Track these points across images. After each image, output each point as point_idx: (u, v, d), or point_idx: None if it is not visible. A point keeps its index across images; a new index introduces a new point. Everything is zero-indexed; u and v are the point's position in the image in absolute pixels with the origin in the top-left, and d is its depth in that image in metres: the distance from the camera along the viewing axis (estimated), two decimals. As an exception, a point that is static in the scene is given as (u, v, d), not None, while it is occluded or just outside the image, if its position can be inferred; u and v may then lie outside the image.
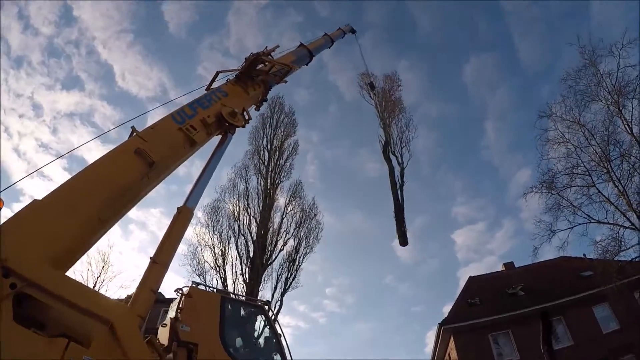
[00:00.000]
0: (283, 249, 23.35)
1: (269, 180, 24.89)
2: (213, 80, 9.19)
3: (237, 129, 8.39)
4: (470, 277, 27.55)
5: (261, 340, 7.29)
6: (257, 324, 7.34)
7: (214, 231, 23.12)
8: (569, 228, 18.34)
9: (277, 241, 23.38)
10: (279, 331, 7.13)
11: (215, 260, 22.22)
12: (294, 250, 23.53)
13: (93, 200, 5.19)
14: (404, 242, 17.95)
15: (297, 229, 24.13)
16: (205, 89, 8.89)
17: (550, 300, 21.00)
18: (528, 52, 79.99)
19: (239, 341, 7.00)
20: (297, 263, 23.29)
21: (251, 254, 22.39)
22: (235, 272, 21.85)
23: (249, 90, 9.06)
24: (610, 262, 17.44)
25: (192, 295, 6.46)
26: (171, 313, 6.40)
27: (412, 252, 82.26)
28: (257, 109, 10.05)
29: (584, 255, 22.66)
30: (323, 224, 24.93)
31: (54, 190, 5.10)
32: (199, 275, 21.61)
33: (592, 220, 18.14)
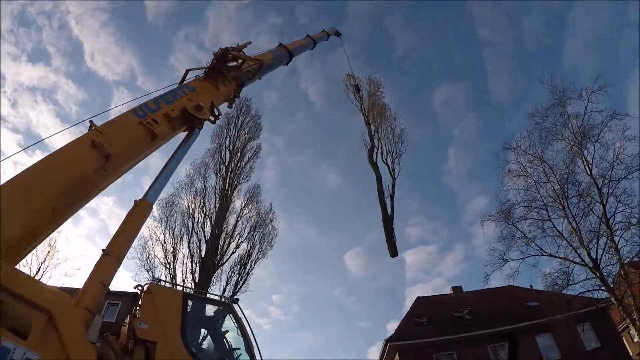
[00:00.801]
0: (235, 252, 22.93)
1: (227, 181, 24.49)
2: (183, 79, 9.06)
3: (206, 125, 8.24)
4: (418, 297, 27.90)
5: (228, 340, 7.00)
6: (223, 322, 7.05)
7: (166, 226, 22.65)
8: (521, 258, 19.32)
9: (230, 243, 22.95)
10: (248, 330, 6.84)
11: (166, 256, 21.68)
12: (246, 254, 23.14)
13: (47, 190, 5.04)
14: (393, 252, 17.72)
15: (252, 232, 23.79)
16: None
17: (495, 326, 21.63)
18: (499, 85, 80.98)
19: (202, 340, 6.74)
20: (248, 267, 22.90)
21: (203, 254, 21.86)
22: (185, 270, 21.30)
23: (219, 86, 8.92)
24: (559, 295, 18.30)
25: (152, 292, 6.22)
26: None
27: (364, 267, 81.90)
28: (230, 105, 9.88)
29: (531, 286, 23.65)
30: (278, 230, 24.63)
31: (9, 179, 4.95)
32: (148, 270, 21.13)
33: (544, 253, 19.13)
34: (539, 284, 21.80)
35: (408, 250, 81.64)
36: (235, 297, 7.12)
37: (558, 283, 18.39)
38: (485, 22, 71.42)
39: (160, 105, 7.37)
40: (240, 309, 7.06)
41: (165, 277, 20.83)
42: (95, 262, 5.58)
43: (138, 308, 6.02)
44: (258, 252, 23.52)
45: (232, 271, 22.54)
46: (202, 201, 23.52)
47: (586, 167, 19.05)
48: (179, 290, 6.59)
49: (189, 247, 22.14)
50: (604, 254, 17.72)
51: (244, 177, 25.34)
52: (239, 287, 22.16)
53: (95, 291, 5.28)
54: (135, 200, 6.52)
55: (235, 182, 24.79)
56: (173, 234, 22.45)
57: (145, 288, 6.30)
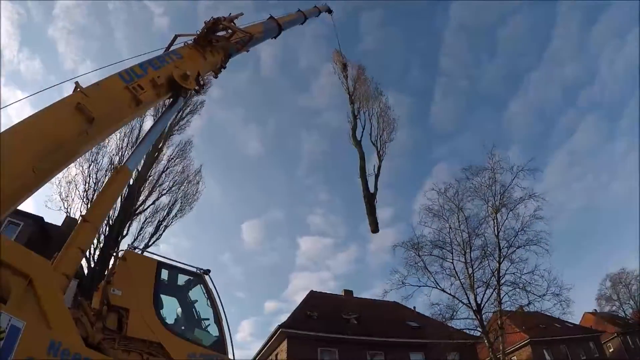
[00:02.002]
0: (154, 203, 22.57)
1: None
2: (171, 44, 8.84)
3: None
4: (312, 291, 28.86)
5: (198, 310, 7.15)
6: (195, 292, 7.19)
7: (91, 161, 21.86)
8: (417, 286, 22.31)
9: (152, 192, 22.60)
10: (218, 302, 7.01)
11: (86, 191, 20.98)
12: (166, 208, 22.90)
13: (29, 151, 4.93)
14: (375, 228, 18.41)
15: (176, 188, 23.52)
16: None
17: (377, 335, 23.09)
18: (441, 113, 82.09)
19: (173, 309, 6.85)
20: (165, 222, 22.69)
21: (123, 198, 21.21)
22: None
23: (206, 55, 8.75)
24: (439, 324, 21.95)
25: (127, 259, 6.28)
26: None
27: (258, 241, 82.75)
28: (215, 76, 9.72)
29: (414, 307, 26.55)
30: (201, 192, 24.40)
31: None
32: (63, 200, 20.55)
33: (438, 287, 22.25)
34: (420, 307, 25.58)
35: (305, 236, 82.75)
36: (207, 268, 7.18)
37: (443, 314, 21.63)
38: (452, 52, 72.14)
39: (147, 71, 7.20)
40: (212, 280, 7.22)
41: (80, 210, 20.24)
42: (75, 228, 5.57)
43: (112, 274, 6.04)
44: (178, 210, 23.23)
45: (147, 222, 22.14)
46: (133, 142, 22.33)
47: (495, 228, 22.39)
48: (153, 259, 6.64)
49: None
50: (487, 302, 21.29)
51: (179, 129, 24.68)
52: (153, 240, 21.93)
53: (73, 257, 5.30)
54: (116, 167, 6.46)
55: (169, 132, 23.92)
56: (97, 171, 21.60)
57: (120, 255, 6.34)
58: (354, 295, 30.18)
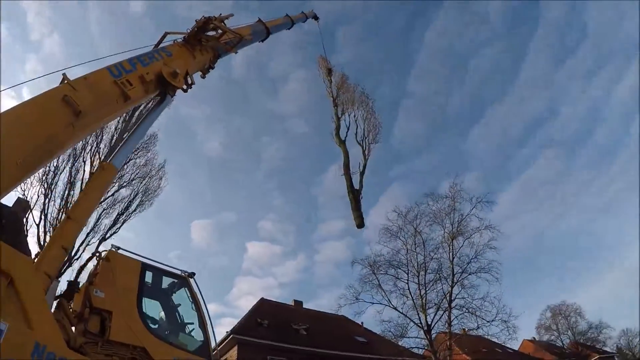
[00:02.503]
0: (114, 195, 21.80)
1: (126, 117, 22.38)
2: (160, 41, 8.67)
3: (177, 93, 7.99)
4: (262, 298, 28.86)
5: (182, 313, 6.96)
6: (179, 295, 6.99)
7: None
8: (371, 302, 23.29)
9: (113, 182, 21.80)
10: (202, 305, 6.83)
11: (45, 174, 19.73)
12: (126, 201, 22.29)
13: (12, 144, 4.72)
14: (361, 223, 18.46)
15: (138, 181, 22.90)
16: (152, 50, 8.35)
17: (325, 348, 23.19)
18: (402, 133, 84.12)
19: (157, 312, 6.66)
20: (124, 216, 22.11)
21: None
22: (64, 195, 19.67)
23: (195, 54, 8.62)
24: (387, 341, 23.01)
25: (110, 260, 6.05)
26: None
27: (206, 241, 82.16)
28: (203, 76, 9.58)
29: (362, 323, 26.90)
30: (162, 189, 23.85)
31: None
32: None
33: (391, 306, 23.16)
34: (367, 323, 26.24)
35: (254, 241, 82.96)
36: (191, 272, 7.01)
37: (393, 332, 22.59)
38: (422, 75, 73.90)
39: (135, 67, 7.05)
40: (196, 283, 7.05)
41: (39, 196, 19.16)
42: (57, 226, 5.34)
43: (95, 275, 5.81)
44: (139, 204, 22.60)
45: (105, 213, 21.37)
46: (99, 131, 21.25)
47: (450, 254, 23.42)
48: (137, 260, 6.42)
49: (70, 172, 20.45)
50: (437, 322, 22.37)
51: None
52: (110, 232, 21.27)
53: (56, 255, 5.10)
54: (102, 163, 6.27)
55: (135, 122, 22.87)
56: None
57: (103, 255, 6.11)
58: (304, 307, 29.99)
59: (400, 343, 22.64)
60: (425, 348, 22.56)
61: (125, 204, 22.32)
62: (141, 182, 22.89)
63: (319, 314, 28.65)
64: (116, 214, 21.83)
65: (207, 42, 8.93)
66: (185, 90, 8.19)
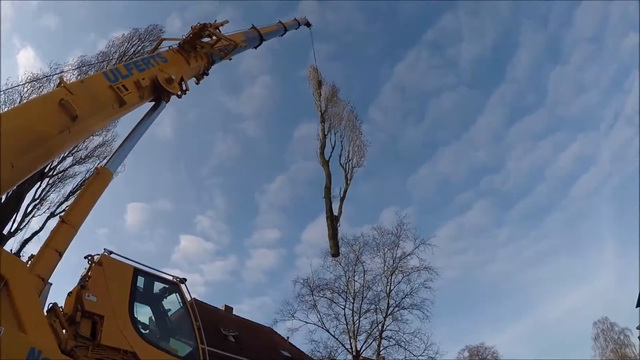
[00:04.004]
0: (67, 170, 21.58)
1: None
2: (156, 48, 8.80)
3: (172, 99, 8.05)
4: (193, 298, 27.69)
5: (173, 319, 6.97)
6: (170, 300, 7.00)
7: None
8: (304, 322, 24.39)
9: (65, 157, 21.16)
10: (192, 311, 6.85)
11: None
12: (78, 178, 21.80)
13: (8, 147, 4.73)
14: (336, 252, 18.66)
15: (95, 158, 22.25)
16: (147, 55, 8.42)
17: (253, 358, 22.75)
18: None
19: (148, 317, 6.65)
20: (77, 193, 21.31)
21: None
22: None
23: (190, 61, 8.70)
24: (309, 358, 23.24)
25: (103, 264, 6.04)
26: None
27: (139, 225, 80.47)
28: (197, 82, 9.64)
29: (288, 337, 26.91)
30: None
31: None
32: None
33: (324, 327, 24.05)
34: (303, 346, 26.07)
35: (188, 235, 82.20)
36: (183, 277, 7.05)
37: (321, 352, 23.51)
38: (383, 105, 74.86)
39: (131, 72, 7.12)
40: (187, 289, 7.07)
41: None
42: (52, 229, 5.37)
43: (87, 279, 5.81)
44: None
45: (56, 187, 21.14)
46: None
47: (388, 287, 24.30)
48: (130, 265, 6.43)
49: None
50: (366, 349, 23.10)
51: None
52: (58, 208, 20.89)
53: (50, 259, 5.10)
54: (97, 168, 6.30)
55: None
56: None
57: (96, 259, 6.12)
58: (234, 313, 29.10)
59: None
60: None
61: (79, 182, 21.74)
62: (98, 162, 21.89)
63: (248, 322, 28.33)
64: (69, 191, 21.42)
65: (201, 49, 9.00)
66: (179, 96, 8.25)
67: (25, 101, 5.70)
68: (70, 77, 21.89)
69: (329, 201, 18.48)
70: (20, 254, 18.65)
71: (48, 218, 20.59)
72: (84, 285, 5.70)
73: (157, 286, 6.93)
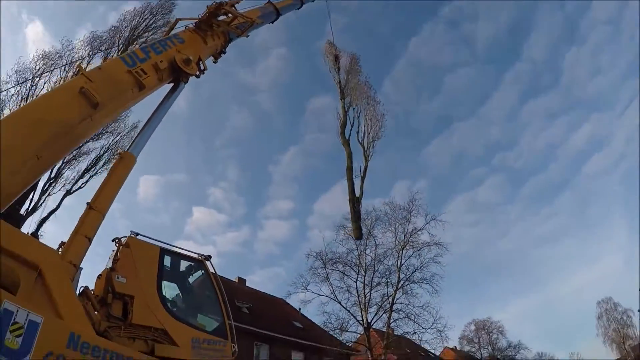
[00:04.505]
0: (81, 148, 21.48)
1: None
2: (172, 28, 8.74)
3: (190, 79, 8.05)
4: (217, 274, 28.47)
5: (200, 296, 7.20)
6: (196, 278, 7.23)
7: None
8: (318, 294, 24.00)
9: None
10: (218, 287, 7.06)
11: None
12: (94, 156, 22.33)
13: (33, 138, 4.85)
14: (359, 235, 18.76)
15: (109, 136, 22.88)
16: (163, 36, 8.37)
17: (267, 329, 23.33)
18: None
19: (176, 295, 6.89)
20: (91, 171, 22.09)
21: None
22: None
23: (207, 40, 8.63)
24: (323, 330, 24.12)
25: (130, 246, 6.25)
26: (109, 263, 6.16)
27: (153, 198, 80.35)
28: (215, 61, 9.59)
29: (299, 309, 26.99)
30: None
31: None
32: None
33: (336, 299, 23.95)
34: (316, 316, 26.14)
35: (202, 207, 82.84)
36: (208, 254, 7.23)
37: (333, 323, 23.51)
38: (398, 79, 73.48)
39: (149, 55, 7.10)
40: (212, 265, 7.27)
41: None
42: (80, 216, 5.51)
43: (116, 262, 6.02)
44: (106, 161, 22.35)
45: (70, 165, 21.29)
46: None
47: (398, 261, 24.35)
48: (156, 245, 6.62)
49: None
50: (376, 322, 23.47)
51: None
52: (74, 186, 21.31)
53: (80, 245, 5.26)
54: (120, 153, 6.41)
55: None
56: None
57: (123, 241, 6.31)
58: (247, 285, 30.28)
59: (338, 336, 23.69)
60: (359, 343, 24.31)
61: (94, 160, 22.30)
62: (112, 139, 22.73)
63: (261, 294, 28.98)
64: (84, 168, 21.84)
65: (218, 28, 8.90)
66: (198, 76, 8.24)
67: (44, 92, 5.63)
68: (82, 53, 22.15)
69: (351, 182, 18.65)
70: (39, 234, 19.34)
71: (64, 196, 21.20)
72: (114, 268, 5.93)
73: (183, 264, 7.14)
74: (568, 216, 78.17)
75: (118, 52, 22.83)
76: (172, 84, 7.83)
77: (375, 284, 24.13)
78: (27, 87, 19.26)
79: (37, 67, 20.40)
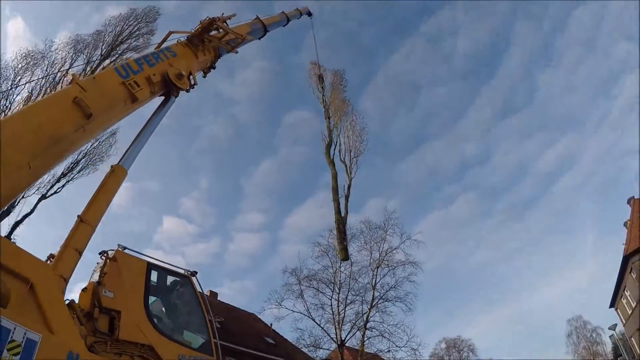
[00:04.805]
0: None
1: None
2: (164, 40, 8.79)
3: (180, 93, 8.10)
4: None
5: (185, 312, 7.15)
6: (182, 294, 7.18)
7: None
8: (292, 310, 24.54)
9: None
10: (203, 304, 7.04)
11: None
12: (71, 161, 21.67)
13: (25, 147, 4.80)
14: (345, 256, 18.77)
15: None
16: (155, 49, 8.41)
17: (239, 344, 22.92)
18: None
19: (162, 311, 6.82)
20: (67, 177, 21.60)
21: None
22: None
23: (198, 55, 8.73)
24: (292, 346, 24.21)
25: (118, 260, 6.16)
26: (94, 276, 6.08)
27: (125, 203, 79.88)
28: (204, 75, 9.68)
29: (271, 324, 27.17)
30: (110, 156, 22.94)
31: None
32: None
33: (310, 317, 24.34)
34: (286, 333, 26.73)
35: (171, 217, 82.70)
36: (193, 270, 7.21)
37: (306, 340, 23.89)
38: (375, 94, 74.78)
39: (142, 67, 7.15)
40: (198, 281, 7.24)
41: None
42: (70, 228, 5.47)
43: (103, 275, 5.94)
44: (83, 167, 22.15)
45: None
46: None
47: (373, 279, 24.81)
48: (143, 260, 6.58)
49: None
50: (350, 339, 23.69)
51: None
52: (50, 190, 20.88)
53: (70, 258, 5.20)
54: (112, 166, 6.38)
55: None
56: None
57: (110, 255, 6.24)
58: (218, 299, 29.58)
59: (312, 353, 23.90)
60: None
61: (71, 165, 21.80)
62: (90, 144, 22.04)
63: (232, 307, 28.67)
64: (60, 172, 21.31)
65: (209, 42, 9.00)
66: (187, 91, 8.30)
67: (37, 100, 5.52)
68: (65, 55, 21.91)
69: (337, 203, 18.81)
70: (12, 237, 18.73)
71: (39, 200, 20.55)
72: (100, 282, 5.84)
73: (169, 279, 7.08)
74: (538, 232, 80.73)
75: (101, 56, 22.68)
76: (162, 97, 7.86)
77: (349, 301, 24.42)
78: (8, 86, 18.93)
79: (20, 66, 20.11)
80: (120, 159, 6.62)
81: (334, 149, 21.04)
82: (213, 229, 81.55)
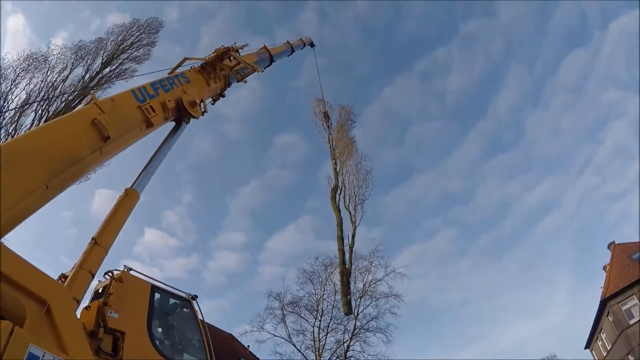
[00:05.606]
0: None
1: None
2: (178, 66, 9.00)
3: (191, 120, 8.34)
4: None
5: (185, 335, 7.28)
6: (183, 317, 7.32)
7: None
8: (273, 335, 24.85)
9: None
10: (203, 327, 7.19)
11: None
12: None
13: (43, 167, 4.86)
14: (348, 310, 18.80)
15: None
16: (168, 73, 8.64)
17: None
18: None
19: (164, 333, 6.93)
20: None
21: None
22: None
23: (210, 82, 8.99)
24: None
25: (123, 281, 6.29)
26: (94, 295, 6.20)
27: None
28: (213, 102, 9.92)
29: (248, 346, 26.95)
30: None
31: (3, 146, 4.75)
32: None
33: (291, 342, 24.62)
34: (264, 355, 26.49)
35: (153, 229, 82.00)
36: (194, 294, 7.38)
37: None
38: (365, 124, 75.79)
39: (158, 92, 7.30)
40: (198, 305, 7.40)
41: None
42: (84, 250, 5.61)
43: (108, 296, 6.07)
44: None
45: None
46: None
47: (356, 309, 24.05)
48: (147, 282, 6.72)
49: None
50: None
51: (98, 87, 23.41)
52: None
53: (84, 281, 5.32)
54: (126, 189, 6.55)
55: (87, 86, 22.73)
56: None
57: (116, 275, 6.38)
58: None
59: None
60: None
61: None
62: None
63: (209, 326, 27.87)
64: None
65: (221, 71, 9.29)
66: (197, 118, 8.54)
67: (56, 119, 5.56)
68: (67, 60, 22.06)
69: (342, 253, 19.08)
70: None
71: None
72: (106, 302, 5.96)
73: (172, 302, 7.23)
74: (515, 273, 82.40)
75: (102, 64, 22.79)
76: (174, 123, 8.09)
77: (331, 329, 24.44)
78: (8, 85, 18.94)
79: (20, 67, 20.30)
80: (133, 183, 6.78)
81: (339, 195, 21.14)
82: (194, 244, 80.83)
